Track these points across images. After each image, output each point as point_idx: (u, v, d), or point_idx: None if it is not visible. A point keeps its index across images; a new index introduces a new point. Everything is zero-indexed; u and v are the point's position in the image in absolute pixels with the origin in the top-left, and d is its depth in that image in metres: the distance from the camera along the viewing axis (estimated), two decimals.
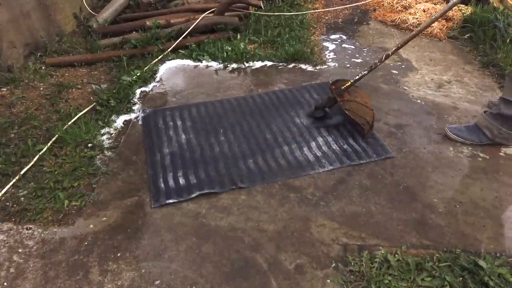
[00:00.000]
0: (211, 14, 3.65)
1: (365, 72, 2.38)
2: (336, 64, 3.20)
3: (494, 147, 2.30)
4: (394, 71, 3.09)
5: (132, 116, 2.61)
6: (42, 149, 2.24)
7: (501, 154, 2.26)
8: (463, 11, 3.79)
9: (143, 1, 3.93)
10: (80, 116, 2.54)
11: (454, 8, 3.89)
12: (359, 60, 3.25)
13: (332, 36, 3.70)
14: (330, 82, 2.53)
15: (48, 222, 1.86)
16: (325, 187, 2.04)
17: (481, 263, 1.58)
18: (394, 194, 2.00)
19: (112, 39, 3.45)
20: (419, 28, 2.30)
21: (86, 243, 1.76)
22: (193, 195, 1.99)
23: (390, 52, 2.32)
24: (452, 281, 1.55)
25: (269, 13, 3.80)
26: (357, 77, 2.40)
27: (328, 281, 1.59)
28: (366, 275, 1.59)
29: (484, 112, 2.30)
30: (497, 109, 2.20)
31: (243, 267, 1.65)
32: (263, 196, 2.00)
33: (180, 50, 3.36)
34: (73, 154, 2.24)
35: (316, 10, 4.19)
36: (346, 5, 4.42)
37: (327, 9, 4.24)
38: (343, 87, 2.41)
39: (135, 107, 2.70)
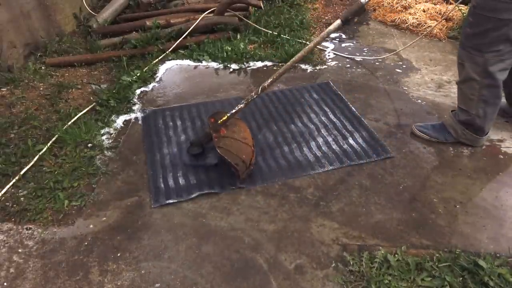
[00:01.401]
0: (211, 14, 3.65)
1: (241, 105, 2.21)
2: (336, 64, 3.20)
3: (494, 147, 2.30)
4: (394, 71, 3.09)
5: (132, 116, 2.61)
6: (42, 149, 2.24)
7: (501, 154, 2.27)
8: (463, 11, 3.79)
9: (143, 1, 3.93)
10: (80, 116, 2.54)
11: (454, 8, 3.89)
12: (359, 60, 3.25)
13: (332, 36, 3.70)
14: (209, 115, 2.31)
15: (48, 222, 1.86)
16: (325, 187, 2.04)
17: (481, 263, 1.58)
18: (394, 194, 2.00)
19: (112, 39, 3.45)
20: (294, 58, 2.19)
21: (86, 243, 1.76)
22: (193, 195, 1.99)
23: (266, 84, 2.18)
24: (452, 281, 1.55)
25: (253, 26, 3.78)
26: (234, 110, 2.21)
27: (328, 281, 1.59)
28: (366, 275, 1.59)
29: (452, 111, 2.32)
30: (457, 116, 2.24)
31: (243, 267, 1.65)
32: (263, 196, 2.00)
33: (180, 50, 3.36)
34: (73, 154, 2.24)
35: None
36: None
37: None
38: (220, 121, 2.18)
39: (135, 107, 2.70)
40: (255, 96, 2.22)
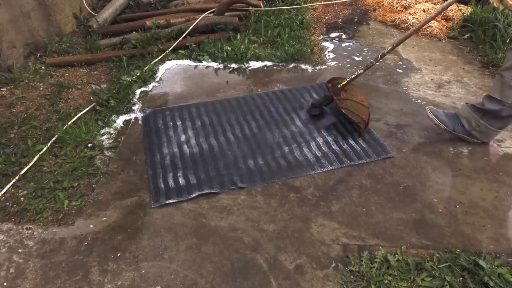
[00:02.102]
0: (211, 14, 3.65)
1: (361, 71, 2.38)
2: (336, 64, 3.20)
3: (494, 147, 2.30)
4: (394, 71, 3.09)
5: (132, 116, 2.61)
6: (42, 149, 2.24)
7: (501, 154, 2.27)
8: (463, 11, 3.79)
9: (143, 1, 3.93)
10: (80, 116, 2.54)
11: (454, 8, 3.89)
12: (359, 60, 3.25)
13: (332, 36, 3.70)
14: (327, 80, 2.53)
15: (48, 222, 1.86)
16: (325, 187, 2.04)
17: (481, 263, 1.58)
18: (394, 194, 2.00)
19: (112, 39, 3.45)
20: (415, 27, 2.30)
21: (86, 243, 1.76)
22: (193, 195, 1.99)
23: (386, 51, 2.32)
24: (452, 281, 1.55)
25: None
26: (353, 75, 2.40)
27: (328, 281, 1.59)
28: (366, 275, 1.59)
29: (466, 103, 2.31)
30: (481, 104, 2.21)
31: (243, 267, 1.65)
32: (263, 196, 2.00)
33: (180, 50, 3.36)
34: (73, 154, 2.24)
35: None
36: (347, 11, 4.42)
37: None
38: (339, 85, 2.41)
39: (135, 107, 2.70)
40: (374, 62, 2.37)
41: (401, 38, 2.31)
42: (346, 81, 2.41)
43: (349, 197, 1.99)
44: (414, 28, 2.30)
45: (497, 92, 2.12)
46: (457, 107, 2.65)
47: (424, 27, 3.70)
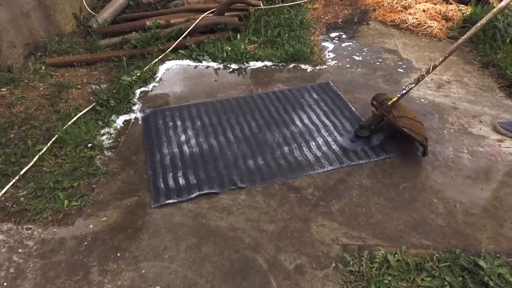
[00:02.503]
0: (211, 14, 3.65)
1: (412, 85, 2.23)
2: (336, 64, 3.20)
3: (494, 147, 2.30)
4: (394, 71, 3.09)
5: (132, 116, 2.61)
6: (42, 149, 2.24)
7: (501, 154, 2.26)
8: (463, 11, 3.79)
9: (143, 1, 3.93)
10: (80, 116, 2.54)
11: (454, 8, 3.89)
12: (359, 60, 3.25)
13: (332, 36, 3.70)
14: (372, 99, 2.36)
15: (48, 222, 1.86)
16: (325, 187, 2.04)
17: (481, 263, 1.58)
18: (394, 194, 2.00)
19: (112, 39, 3.45)
20: (467, 34, 2.16)
21: (86, 243, 1.76)
22: (193, 195, 1.99)
23: (437, 63, 2.20)
24: (452, 281, 1.55)
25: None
26: (404, 91, 2.23)
27: (328, 281, 1.59)
28: (366, 275, 1.59)
29: None
30: None
31: (243, 267, 1.65)
32: (263, 196, 2.00)
33: (180, 50, 3.36)
34: (73, 154, 2.24)
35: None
36: (347, 11, 4.42)
37: None
38: (389, 102, 2.22)
39: (135, 107, 2.69)
40: (425, 75, 2.23)
41: (453, 47, 2.18)
42: (396, 98, 2.23)
43: (349, 197, 1.99)
44: (466, 35, 2.16)
45: None
46: (457, 107, 2.66)
47: (425, 27, 3.71)
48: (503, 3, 2.08)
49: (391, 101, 2.22)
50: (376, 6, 4.26)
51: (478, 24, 2.13)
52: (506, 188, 2.03)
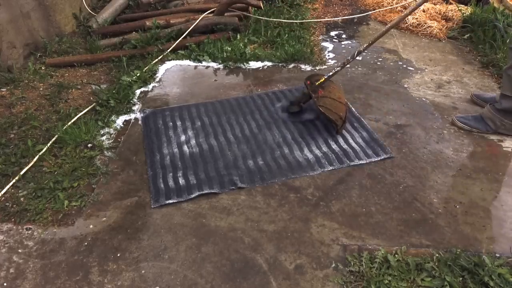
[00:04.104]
0: (211, 15, 3.65)
1: (338, 68, 2.45)
2: (336, 64, 3.20)
3: (494, 147, 2.30)
4: (394, 71, 3.09)
5: (132, 116, 2.61)
6: (42, 149, 2.24)
7: (501, 154, 2.27)
8: (463, 11, 3.79)
9: (143, 1, 3.93)
10: (80, 116, 2.54)
11: (454, 8, 3.90)
12: (359, 60, 3.25)
13: (332, 36, 3.70)
14: (306, 78, 2.54)
15: (48, 222, 1.86)
16: (325, 187, 2.04)
17: (481, 263, 1.58)
18: (394, 194, 2.00)
19: (111, 40, 3.45)
20: (391, 23, 2.37)
21: (86, 244, 1.76)
22: (193, 196, 1.99)
23: (362, 48, 2.42)
24: (452, 281, 1.55)
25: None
26: (331, 73, 2.45)
27: (328, 281, 1.59)
28: (366, 276, 1.59)
29: (489, 104, 2.41)
30: (499, 105, 2.33)
31: (243, 267, 1.65)
32: (263, 196, 2.00)
33: (180, 51, 3.36)
34: (73, 154, 2.24)
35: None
36: (347, 11, 4.42)
37: None
38: (317, 83, 2.43)
39: (135, 108, 2.70)
40: (351, 60, 2.45)
41: (378, 34, 2.39)
42: (323, 79, 2.43)
43: (349, 197, 1.99)
44: (391, 23, 2.37)
45: (508, 90, 2.27)
46: (457, 107, 2.66)
47: (424, 27, 3.71)
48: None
49: (319, 82, 2.43)
50: (376, 6, 4.26)
51: (407, 11, 2.33)
52: (506, 188, 2.03)
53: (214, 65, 3.20)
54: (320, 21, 3.93)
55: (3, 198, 1.99)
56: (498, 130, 2.37)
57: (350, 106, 2.65)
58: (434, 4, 4.06)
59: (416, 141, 2.35)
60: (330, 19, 4.02)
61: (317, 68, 3.15)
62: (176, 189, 2.03)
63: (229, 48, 3.29)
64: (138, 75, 2.95)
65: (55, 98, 2.74)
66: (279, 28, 3.64)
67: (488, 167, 2.16)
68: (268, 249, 1.73)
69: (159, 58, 3.23)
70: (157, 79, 3.02)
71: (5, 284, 1.60)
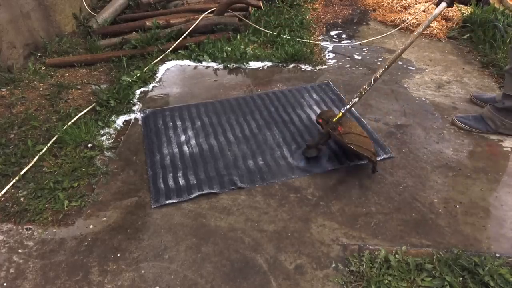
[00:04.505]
0: (211, 15, 3.65)
1: (355, 99, 2.20)
2: (336, 64, 3.20)
3: (494, 147, 2.30)
4: (394, 71, 3.08)
5: (132, 116, 2.61)
6: (42, 149, 2.24)
7: (501, 154, 2.27)
8: (463, 11, 3.79)
9: (143, 2, 3.93)
10: (80, 116, 2.54)
11: (454, 8, 3.89)
12: (359, 60, 3.25)
13: (332, 36, 3.70)
14: (316, 116, 2.30)
15: (48, 222, 1.86)
16: (325, 187, 2.04)
17: (481, 263, 1.58)
18: (394, 194, 2.00)
19: (111, 40, 3.45)
20: (409, 40, 2.20)
21: (86, 244, 1.76)
22: (193, 196, 1.99)
23: (378, 75, 2.19)
24: (452, 281, 1.55)
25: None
26: (347, 106, 2.20)
27: (328, 281, 1.59)
28: (366, 276, 1.59)
29: (489, 104, 2.41)
30: (501, 104, 2.33)
31: (243, 267, 1.65)
32: (263, 196, 1.99)
33: (180, 51, 3.36)
34: (73, 154, 2.24)
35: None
36: (347, 11, 4.42)
37: None
38: (334, 119, 2.15)
39: (135, 108, 2.69)
40: (368, 88, 2.20)
41: (395, 56, 2.20)
42: (341, 113, 2.17)
43: (349, 197, 1.99)
44: (409, 40, 2.21)
45: (510, 89, 2.27)
46: (457, 107, 2.66)
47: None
48: None
49: (336, 118, 2.15)
50: (376, 6, 4.26)
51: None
52: (506, 188, 2.03)
53: (214, 65, 3.20)
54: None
55: (3, 198, 1.99)
56: (498, 130, 2.36)
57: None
58: (434, 4, 4.06)
59: (416, 141, 2.35)
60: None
61: (317, 68, 3.15)
62: (176, 189, 2.03)
63: (229, 48, 3.29)
64: (138, 75, 2.95)
65: (55, 98, 2.74)
66: (279, 28, 3.64)
67: (488, 167, 2.16)
68: (268, 249, 1.73)
69: (159, 58, 3.23)
70: (157, 79, 3.02)
71: (5, 284, 1.60)
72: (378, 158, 2.20)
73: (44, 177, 2.09)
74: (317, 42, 3.48)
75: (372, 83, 2.19)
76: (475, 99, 2.70)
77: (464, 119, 2.45)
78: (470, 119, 2.44)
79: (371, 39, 3.55)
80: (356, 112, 2.58)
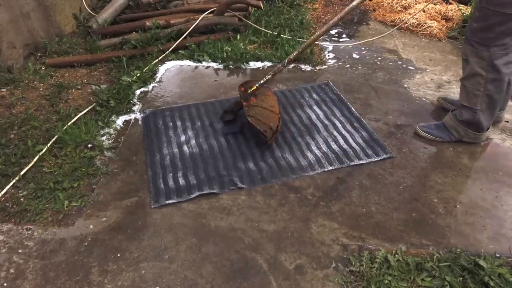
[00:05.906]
0: (211, 15, 3.65)
1: (269, 76, 2.40)
2: (336, 64, 3.20)
3: (494, 147, 2.30)
4: (394, 71, 3.09)
5: (132, 116, 2.61)
6: (42, 149, 2.24)
7: (501, 154, 2.27)
8: (463, 11, 3.79)
9: (143, 2, 3.93)
10: (80, 116, 2.54)
11: (454, 8, 3.89)
12: (359, 60, 3.25)
13: (332, 36, 3.70)
14: (240, 84, 2.44)
15: (48, 222, 1.86)
16: (325, 187, 2.04)
17: (481, 263, 1.58)
18: (394, 194, 2.00)
19: (111, 40, 3.45)
20: (323, 28, 2.39)
21: (86, 244, 1.76)
22: (193, 196, 1.99)
23: (291, 57, 2.41)
24: (452, 281, 1.55)
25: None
26: (262, 80, 2.38)
27: (328, 281, 1.59)
28: (366, 275, 1.59)
29: (451, 112, 2.34)
30: (459, 116, 2.25)
31: (243, 267, 1.65)
32: (263, 196, 2.00)
33: (180, 51, 3.36)
34: (73, 154, 2.24)
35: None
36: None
37: None
38: (249, 91, 2.33)
39: (135, 108, 2.69)
40: (281, 67, 2.42)
41: (309, 40, 2.38)
42: (255, 86, 2.34)
43: (349, 197, 1.99)
44: (318, 32, 2.39)
45: (466, 101, 2.20)
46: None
47: (424, 27, 3.70)
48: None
49: (251, 90, 2.34)
50: (375, 6, 4.26)
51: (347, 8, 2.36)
52: (506, 188, 2.03)
53: (214, 65, 3.20)
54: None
55: (3, 198, 1.99)
56: (462, 139, 2.28)
57: (352, 107, 2.65)
58: (434, 4, 4.06)
59: (416, 141, 2.35)
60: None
61: (317, 68, 3.15)
62: (176, 189, 2.03)
63: (229, 48, 3.29)
64: (138, 75, 2.95)
65: (55, 98, 2.74)
66: (279, 28, 3.64)
67: (488, 167, 2.16)
68: (268, 249, 1.73)
69: (159, 58, 3.23)
70: (157, 79, 3.02)
71: (5, 284, 1.60)
72: (378, 158, 2.21)
73: (44, 177, 2.09)
74: (317, 42, 3.48)
75: (285, 63, 2.46)
76: (443, 101, 2.63)
77: (427, 128, 2.37)
78: (432, 128, 2.36)
79: (371, 39, 3.55)
80: (356, 112, 2.58)
